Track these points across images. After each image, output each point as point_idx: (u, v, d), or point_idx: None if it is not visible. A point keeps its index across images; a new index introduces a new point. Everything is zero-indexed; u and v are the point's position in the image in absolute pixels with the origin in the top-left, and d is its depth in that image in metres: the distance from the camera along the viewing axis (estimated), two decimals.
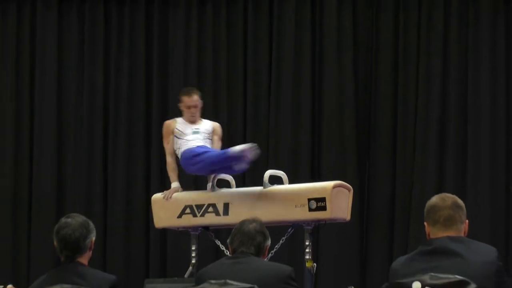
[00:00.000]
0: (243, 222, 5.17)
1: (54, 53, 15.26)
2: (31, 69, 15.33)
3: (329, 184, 8.00)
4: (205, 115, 14.93)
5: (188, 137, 9.92)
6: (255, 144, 9.02)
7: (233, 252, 5.09)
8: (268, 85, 14.98)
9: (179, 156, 9.74)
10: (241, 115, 15.01)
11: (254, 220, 5.19)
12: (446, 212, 4.63)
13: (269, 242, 5.16)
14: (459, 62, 14.72)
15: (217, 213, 8.15)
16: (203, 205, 8.22)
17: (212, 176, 9.08)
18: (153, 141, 15.13)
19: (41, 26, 15.32)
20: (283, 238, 8.31)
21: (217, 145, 9.81)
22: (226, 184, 8.44)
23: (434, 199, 4.73)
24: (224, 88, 15.00)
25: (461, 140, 14.62)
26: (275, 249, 7.65)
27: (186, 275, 8.18)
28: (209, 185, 8.90)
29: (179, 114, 14.99)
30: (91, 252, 5.13)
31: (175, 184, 9.46)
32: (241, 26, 15.20)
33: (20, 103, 15.26)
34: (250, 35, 15.15)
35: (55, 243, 5.08)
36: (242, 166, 8.82)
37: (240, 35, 15.18)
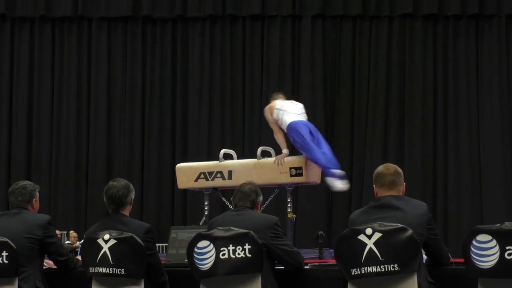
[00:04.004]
0: (241, 185, 5.13)
1: (105, 59, 15.25)
2: (88, 70, 15.30)
3: (305, 157, 7.96)
4: (214, 103, 15.01)
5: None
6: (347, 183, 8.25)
7: (235, 206, 5.06)
8: (260, 85, 14.98)
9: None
10: (240, 104, 15.03)
11: (249, 183, 5.15)
12: (390, 178, 4.60)
13: (261, 198, 5.13)
14: (399, 64, 14.77)
15: (223, 178, 8.10)
16: (213, 172, 8.16)
17: None
18: (177, 123, 15.12)
19: (95, 40, 15.29)
20: (271, 196, 8.26)
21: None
22: (230, 157, 8.39)
23: (380, 168, 4.70)
24: (228, 82, 15.03)
25: (400, 127, 14.67)
26: (265, 204, 7.59)
27: (201, 223, 8.14)
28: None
29: (196, 103, 15.04)
30: (131, 206, 5.09)
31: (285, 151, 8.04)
32: (240, 40, 15.19)
33: (79, 97, 15.24)
34: (247, 47, 15.16)
35: (104, 199, 5.05)
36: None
37: (240, 46, 15.19)
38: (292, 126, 7.95)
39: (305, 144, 7.88)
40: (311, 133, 8.03)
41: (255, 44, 15.10)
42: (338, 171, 7.95)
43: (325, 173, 7.93)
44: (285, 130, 8.03)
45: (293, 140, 7.96)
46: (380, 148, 14.51)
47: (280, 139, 8.07)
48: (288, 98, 8.56)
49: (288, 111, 8.05)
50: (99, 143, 15.03)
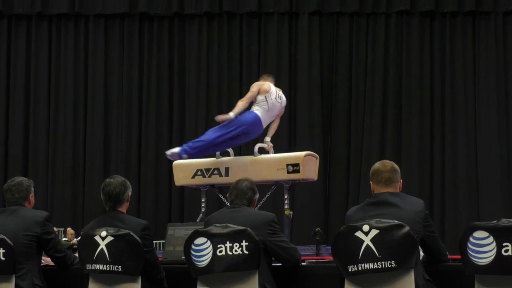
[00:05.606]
0: (238, 181, 5.11)
1: (102, 56, 15.22)
2: (85, 67, 15.26)
3: (302, 153, 7.95)
4: (211, 100, 14.99)
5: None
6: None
7: (231, 203, 5.04)
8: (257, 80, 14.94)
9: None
10: (237, 101, 14.99)
11: (246, 179, 5.13)
12: (386, 175, 4.60)
13: (257, 196, 5.11)
14: (396, 61, 14.75)
15: (220, 175, 8.10)
16: (210, 168, 8.16)
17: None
18: (174, 121, 15.10)
19: (92, 37, 15.27)
20: (268, 193, 8.25)
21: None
22: (227, 154, 8.39)
23: (377, 165, 4.70)
24: (225, 79, 15.01)
25: (397, 124, 14.66)
26: (262, 201, 7.58)
27: (198, 220, 8.13)
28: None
29: (193, 100, 15.03)
30: (128, 203, 5.10)
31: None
32: (237, 37, 15.17)
33: (76, 94, 15.21)
34: (244, 44, 15.13)
35: (101, 196, 5.05)
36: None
37: (237, 43, 15.17)
38: (252, 117, 8.05)
39: (222, 130, 7.95)
40: (236, 135, 8.05)
41: (252, 41, 15.09)
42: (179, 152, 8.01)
43: (180, 146, 8.12)
44: (250, 109, 8.12)
45: (236, 118, 8.01)
46: (377, 145, 14.51)
47: (240, 105, 8.09)
48: (284, 94, 8.58)
49: (270, 108, 8.13)
50: (96, 140, 15.02)
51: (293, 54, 14.96)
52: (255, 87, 8.28)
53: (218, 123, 8.15)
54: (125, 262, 4.69)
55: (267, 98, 8.17)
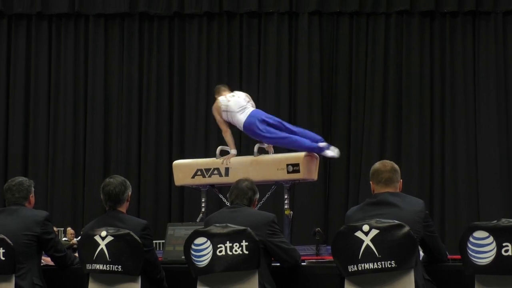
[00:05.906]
0: (238, 181, 5.11)
1: (102, 56, 15.21)
2: (85, 67, 15.25)
3: (302, 153, 7.96)
4: (211, 100, 14.96)
5: None
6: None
7: (231, 203, 5.04)
8: (257, 82, 14.95)
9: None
10: None
11: (246, 179, 5.13)
12: (386, 175, 4.60)
13: (257, 196, 5.11)
14: (396, 61, 14.74)
15: (220, 175, 8.11)
16: (210, 168, 8.17)
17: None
18: (174, 121, 15.09)
19: (92, 37, 15.26)
20: (268, 193, 8.26)
21: None
22: (227, 154, 8.39)
23: (377, 165, 4.70)
24: (225, 79, 14.97)
25: (397, 124, 14.65)
26: (262, 201, 7.58)
27: (197, 220, 8.15)
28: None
29: (193, 100, 15.02)
30: (128, 203, 5.10)
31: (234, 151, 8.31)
32: (237, 37, 15.17)
33: (76, 93, 15.20)
34: (244, 43, 15.12)
35: (101, 196, 5.05)
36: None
37: (237, 43, 15.16)
38: (248, 127, 8.09)
39: (277, 138, 8.01)
40: (268, 123, 8.11)
41: (252, 41, 15.09)
42: (323, 144, 8.02)
43: (315, 152, 8.00)
44: (245, 132, 8.18)
45: (249, 124, 8.08)
46: (377, 145, 14.51)
47: (228, 138, 8.27)
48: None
49: (234, 110, 8.19)
50: (96, 140, 15.02)
51: (293, 54, 14.96)
52: (214, 114, 8.43)
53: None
54: (125, 262, 4.69)
55: (226, 111, 8.25)
